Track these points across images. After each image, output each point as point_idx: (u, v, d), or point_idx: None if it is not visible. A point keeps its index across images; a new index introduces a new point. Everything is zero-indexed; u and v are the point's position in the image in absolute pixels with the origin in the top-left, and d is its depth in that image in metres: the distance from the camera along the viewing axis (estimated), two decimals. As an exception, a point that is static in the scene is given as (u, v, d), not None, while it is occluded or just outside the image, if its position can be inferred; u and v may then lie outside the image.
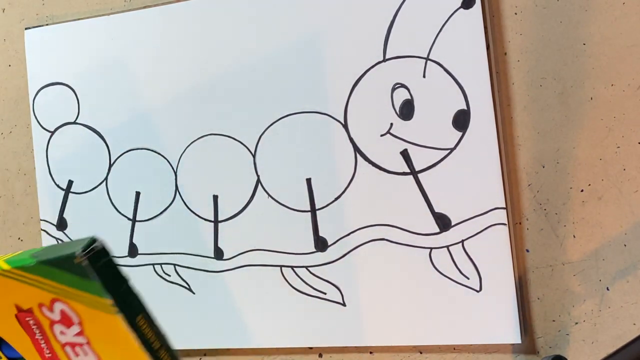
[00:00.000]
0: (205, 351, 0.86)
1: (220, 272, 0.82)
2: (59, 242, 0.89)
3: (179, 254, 0.84)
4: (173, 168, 0.84)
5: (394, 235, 0.75)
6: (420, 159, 0.74)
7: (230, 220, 0.82)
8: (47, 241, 0.90)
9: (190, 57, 0.83)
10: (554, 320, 0.73)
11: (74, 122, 0.89)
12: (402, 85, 0.75)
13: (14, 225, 0.95)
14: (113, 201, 0.87)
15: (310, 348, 0.81)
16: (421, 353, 0.77)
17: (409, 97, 0.75)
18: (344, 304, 0.78)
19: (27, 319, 0.44)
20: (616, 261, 0.70)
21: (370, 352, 0.79)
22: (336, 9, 0.77)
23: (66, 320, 0.42)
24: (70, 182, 0.89)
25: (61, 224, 0.89)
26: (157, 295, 0.85)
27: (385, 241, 0.76)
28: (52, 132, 0.90)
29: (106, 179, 0.87)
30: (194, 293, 0.84)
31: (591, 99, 0.71)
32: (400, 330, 0.75)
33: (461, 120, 0.73)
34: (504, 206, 0.71)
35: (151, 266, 0.85)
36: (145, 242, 0.85)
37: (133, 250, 0.86)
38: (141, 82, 0.85)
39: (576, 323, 0.72)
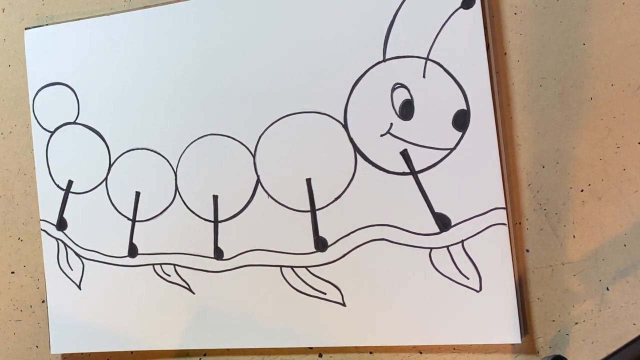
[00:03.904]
0: (205, 351, 0.86)
1: (220, 272, 0.82)
2: (59, 242, 0.89)
3: (179, 254, 0.84)
4: (173, 168, 0.84)
5: (394, 235, 0.75)
6: (420, 159, 0.74)
7: (230, 220, 0.82)
8: (47, 241, 0.90)
9: (191, 57, 0.83)
10: (554, 320, 0.73)
11: (74, 122, 0.89)
12: (402, 85, 0.75)
13: (14, 225, 0.95)
14: (113, 201, 0.87)
15: (310, 348, 0.81)
16: (421, 353, 0.77)
17: (409, 97, 0.75)
18: (344, 304, 0.78)
19: None
20: (616, 261, 0.70)
21: (370, 352, 0.79)
22: (336, 8, 0.77)
23: None
24: (70, 182, 0.89)
25: (61, 224, 0.89)
26: (157, 295, 0.85)
27: (385, 241, 0.76)
28: (52, 132, 0.90)
29: (106, 179, 0.87)
30: (194, 293, 0.84)
31: (591, 99, 0.71)
32: (400, 330, 0.75)
33: (461, 120, 0.73)
34: (504, 206, 0.71)
35: (151, 266, 0.85)
36: (145, 242, 0.85)
37: (133, 250, 0.86)
38: (141, 82, 0.85)
39: (576, 323, 0.72)
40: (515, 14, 0.73)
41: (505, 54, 0.74)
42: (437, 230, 0.74)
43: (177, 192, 0.84)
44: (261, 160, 0.80)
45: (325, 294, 0.78)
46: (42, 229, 0.90)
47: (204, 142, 0.83)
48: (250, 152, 0.81)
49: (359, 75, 0.76)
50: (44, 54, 0.90)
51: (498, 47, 0.74)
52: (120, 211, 0.86)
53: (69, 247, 0.89)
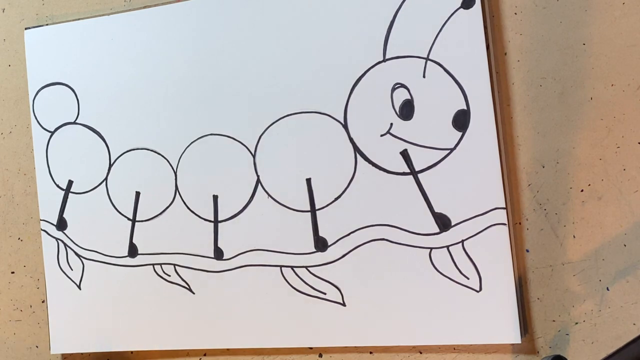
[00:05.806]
0: (205, 351, 0.86)
1: (220, 272, 0.82)
2: (59, 242, 0.89)
3: (179, 254, 0.84)
4: (173, 168, 0.84)
5: (394, 235, 0.75)
6: (420, 159, 0.74)
7: (230, 220, 0.82)
8: (47, 241, 0.90)
9: (190, 57, 0.83)
10: (554, 320, 0.73)
11: (74, 122, 0.89)
12: (402, 85, 0.75)
13: (14, 225, 0.95)
14: (113, 201, 0.87)
15: (310, 348, 0.81)
16: (421, 353, 0.77)
17: (409, 97, 0.75)
18: (344, 304, 0.78)
19: None
20: (616, 261, 0.70)
21: (370, 352, 0.79)
22: (336, 8, 0.77)
23: None
24: (70, 182, 0.89)
25: (61, 224, 0.89)
26: (157, 295, 0.85)
27: (385, 241, 0.76)
28: (52, 132, 0.90)
29: (106, 179, 0.87)
30: (194, 293, 0.84)
31: (591, 99, 0.71)
32: (400, 330, 0.75)
33: (461, 120, 0.73)
34: (504, 206, 0.71)
35: (151, 266, 0.85)
36: (145, 242, 0.85)
37: (133, 250, 0.86)
38: (141, 82, 0.85)
39: (576, 323, 0.72)
40: (515, 14, 0.73)
41: (505, 54, 0.74)
42: (437, 230, 0.74)
43: (177, 192, 0.84)
44: (261, 160, 0.80)
45: (325, 294, 0.78)
46: (42, 229, 0.90)
47: (204, 142, 0.83)
48: (250, 152, 0.81)
49: (359, 75, 0.76)
50: (44, 54, 0.90)
51: (498, 47, 0.74)
52: (120, 211, 0.86)
53: (69, 247, 0.89)
